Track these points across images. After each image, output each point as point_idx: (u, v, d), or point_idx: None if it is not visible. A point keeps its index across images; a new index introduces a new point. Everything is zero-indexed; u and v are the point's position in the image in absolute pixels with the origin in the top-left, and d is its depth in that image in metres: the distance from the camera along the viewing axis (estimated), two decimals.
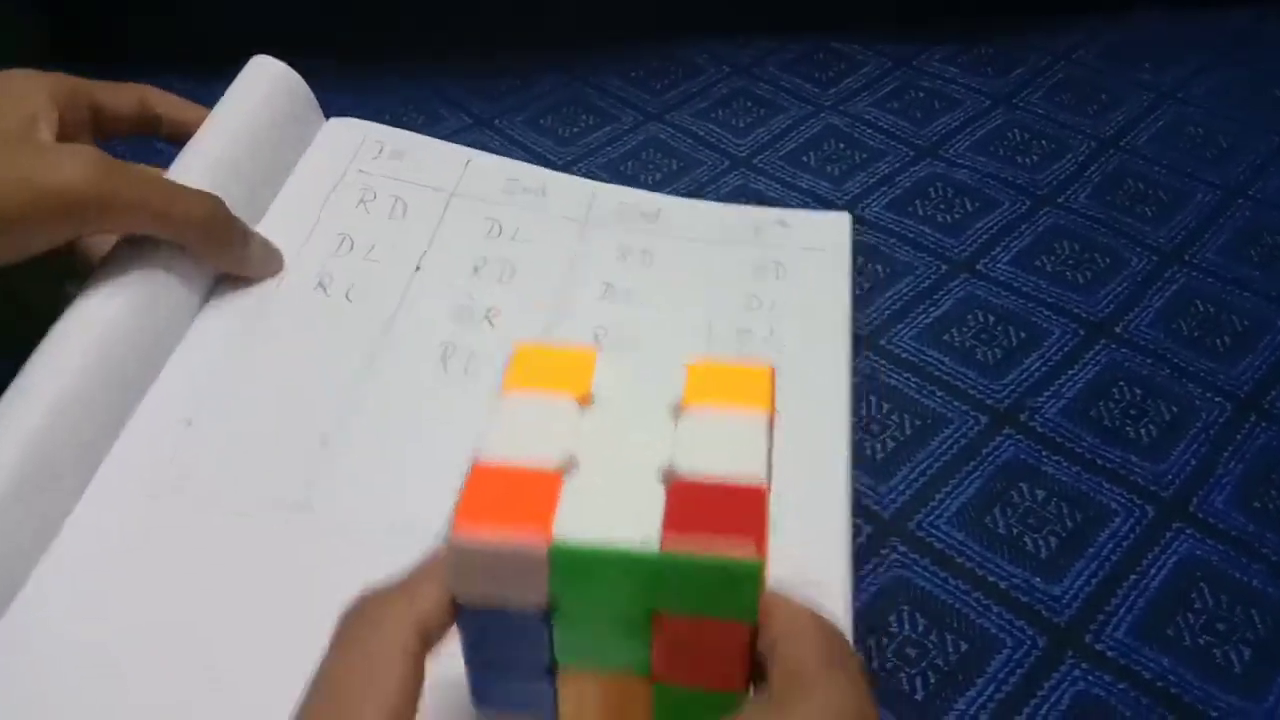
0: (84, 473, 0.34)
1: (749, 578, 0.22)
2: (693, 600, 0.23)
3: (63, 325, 0.36)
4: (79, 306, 0.36)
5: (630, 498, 0.23)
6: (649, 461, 0.24)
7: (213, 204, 0.37)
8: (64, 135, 0.37)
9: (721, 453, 0.24)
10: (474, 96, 0.59)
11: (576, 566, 0.23)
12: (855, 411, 0.39)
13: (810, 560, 0.32)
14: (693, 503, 0.23)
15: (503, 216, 0.45)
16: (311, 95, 0.47)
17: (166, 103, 0.42)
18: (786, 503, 0.31)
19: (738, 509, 0.23)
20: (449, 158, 0.48)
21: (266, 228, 0.43)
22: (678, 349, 0.40)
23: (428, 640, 0.26)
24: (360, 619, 0.28)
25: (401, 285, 0.42)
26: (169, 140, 0.42)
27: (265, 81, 0.46)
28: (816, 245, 0.45)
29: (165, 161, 0.41)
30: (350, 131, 0.48)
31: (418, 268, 0.43)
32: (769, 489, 0.24)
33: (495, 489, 0.23)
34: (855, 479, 0.38)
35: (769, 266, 0.43)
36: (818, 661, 0.22)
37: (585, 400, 0.26)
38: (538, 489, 0.23)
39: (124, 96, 0.41)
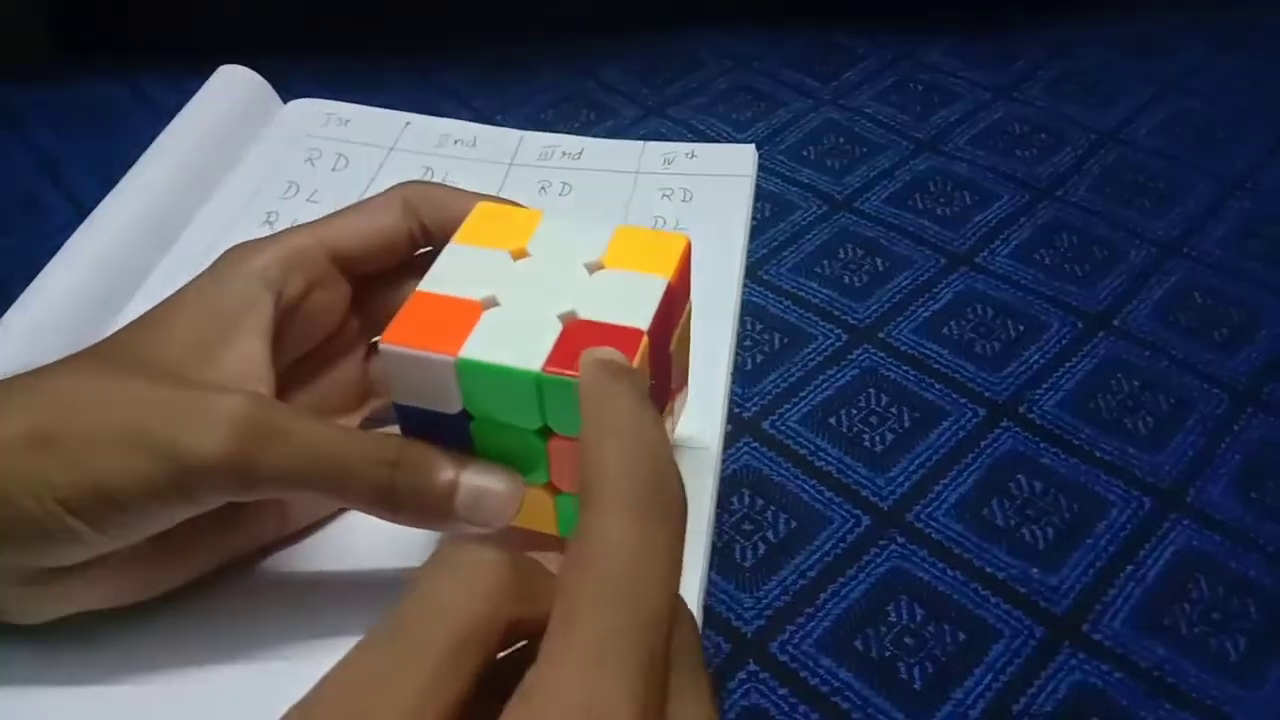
0: None
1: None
2: (572, 419, 0.27)
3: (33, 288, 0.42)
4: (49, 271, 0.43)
5: (533, 331, 0.28)
6: (557, 306, 0.29)
7: (393, 470, 0.28)
8: (299, 307, 0.32)
9: (617, 305, 0.28)
10: (475, 91, 0.59)
11: (478, 379, 0.27)
12: (739, 325, 0.43)
13: (681, 464, 0.35)
14: (579, 339, 0.27)
15: (435, 164, 0.51)
16: (274, 93, 0.53)
17: (423, 201, 0.33)
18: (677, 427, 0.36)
19: (616, 346, 0.27)
20: (390, 121, 0.54)
21: (224, 195, 0.49)
22: None
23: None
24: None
25: None
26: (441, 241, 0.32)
27: (227, 86, 0.53)
28: (721, 173, 0.50)
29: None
30: (306, 108, 0.55)
31: None
32: (646, 334, 0.28)
33: (426, 312, 0.28)
34: (853, 470, 0.38)
35: (677, 191, 0.49)
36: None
37: (520, 254, 0.31)
38: (460, 316, 0.28)
39: (368, 226, 0.33)
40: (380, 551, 0.34)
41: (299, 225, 0.33)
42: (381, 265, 0.33)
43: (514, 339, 0.28)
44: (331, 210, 0.34)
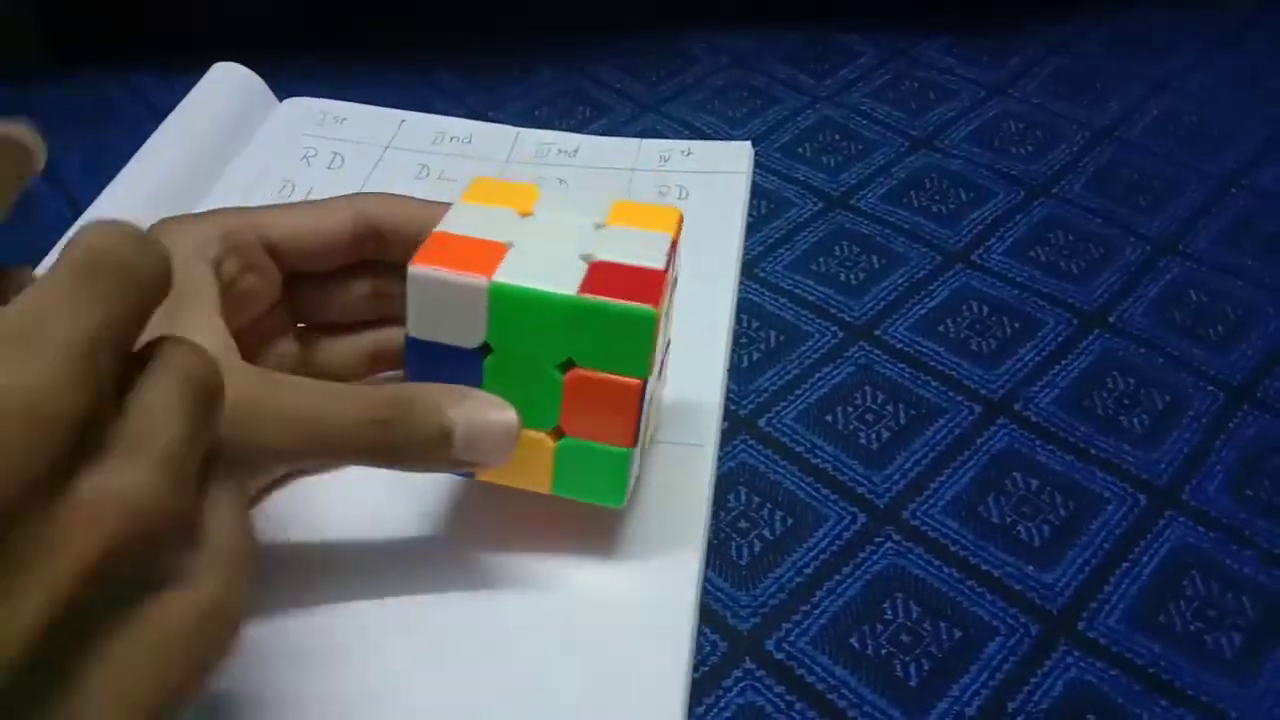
0: None
1: (645, 325, 0.28)
2: (599, 347, 0.28)
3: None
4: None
5: (559, 267, 0.29)
6: (575, 251, 0.30)
7: (385, 428, 0.27)
8: (232, 287, 0.31)
9: (632, 250, 0.30)
10: (469, 88, 0.59)
11: (510, 305, 0.28)
12: (735, 322, 0.43)
13: (677, 462, 0.37)
14: (606, 275, 0.29)
15: (431, 162, 0.51)
16: (269, 91, 0.53)
17: (384, 210, 0.33)
18: (661, 404, 0.37)
19: (641, 283, 0.29)
20: (385, 119, 0.54)
21: (217, 193, 0.48)
22: None
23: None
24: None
25: None
26: (399, 260, 0.30)
27: (223, 83, 0.53)
28: (717, 170, 0.50)
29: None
30: (301, 107, 0.54)
31: None
32: (668, 275, 0.30)
33: (451, 248, 0.29)
34: (849, 467, 0.38)
35: (673, 189, 0.49)
36: None
37: (526, 214, 0.32)
38: (485, 253, 0.29)
39: (307, 224, 0.32)
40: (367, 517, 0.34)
41: (233, 208, 0.32)
42: (315, 265, 0.33)
43: (544, 270, 0.29)
44: None
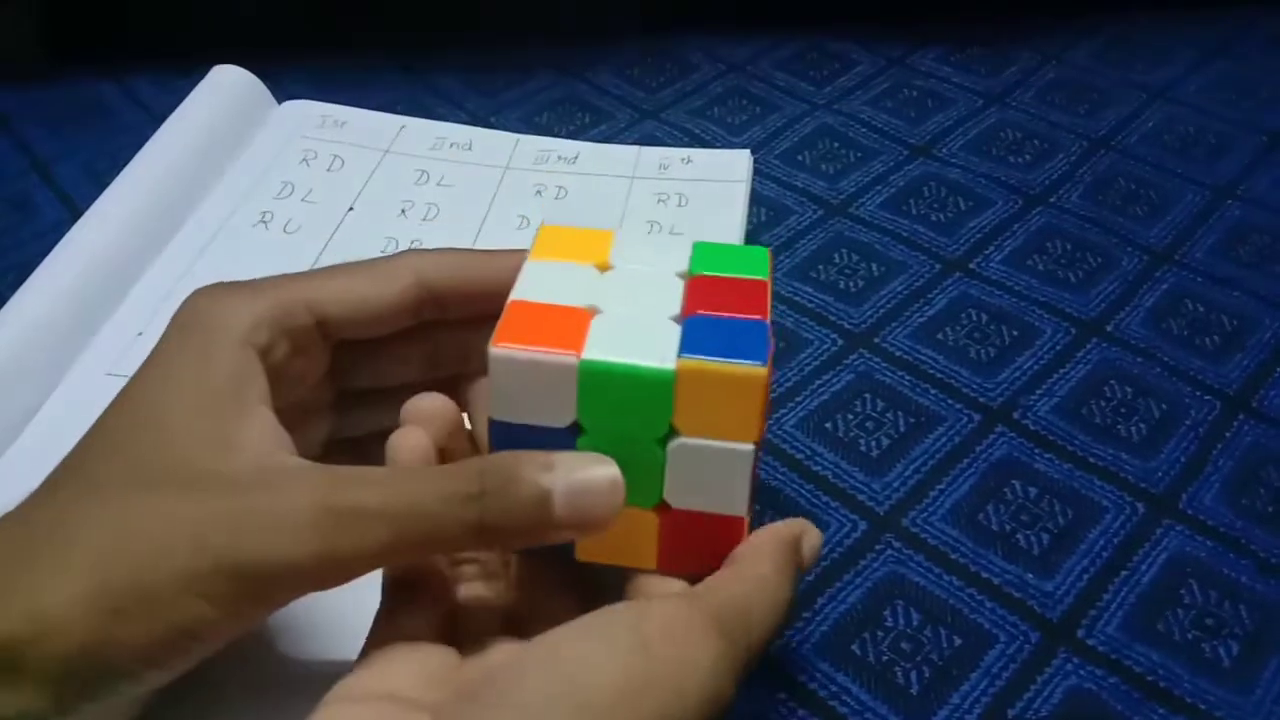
0: (54, 374, 0.40)
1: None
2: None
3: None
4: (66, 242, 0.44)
5: (650, 334, 0.26)
6: (664, 309, 0.27)
7: (480, 502, 0.24)
8: (280, 372, 0.28)
9: (705, 486, 0.27)
10: (470, 93, 0.59)
11: (601, 383, 0.26)
12: None
13: None
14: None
15: (431, 167, 0.51)
16: (268, 94, 0.53)
17: (445, 271, 0.30)
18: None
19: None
20: (386, 123, 0.54)
21: (218, 195, 0.49)
22: None
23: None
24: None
25: (334, 222, 0.48)
26: (458, 318, 0.30)
27: (222, 85, 0.53)
28: (716, 178, 0.50)
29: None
30: (300, 109, 0.55)
31: (350, 208, 0.48)
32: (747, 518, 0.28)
33: (530, 320, 0.27)
34: (849, 475, 0.39)
35: (672, 196, 0.49)
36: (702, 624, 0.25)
37: (604, 267, 0.29)
38: (569, 322, 0.26)
39: (366, 294, 0.29)
40: None
41: (287, 277, 0.30)
42: (369, 334, 0.30)
43: (635, 342, 0.26)
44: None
